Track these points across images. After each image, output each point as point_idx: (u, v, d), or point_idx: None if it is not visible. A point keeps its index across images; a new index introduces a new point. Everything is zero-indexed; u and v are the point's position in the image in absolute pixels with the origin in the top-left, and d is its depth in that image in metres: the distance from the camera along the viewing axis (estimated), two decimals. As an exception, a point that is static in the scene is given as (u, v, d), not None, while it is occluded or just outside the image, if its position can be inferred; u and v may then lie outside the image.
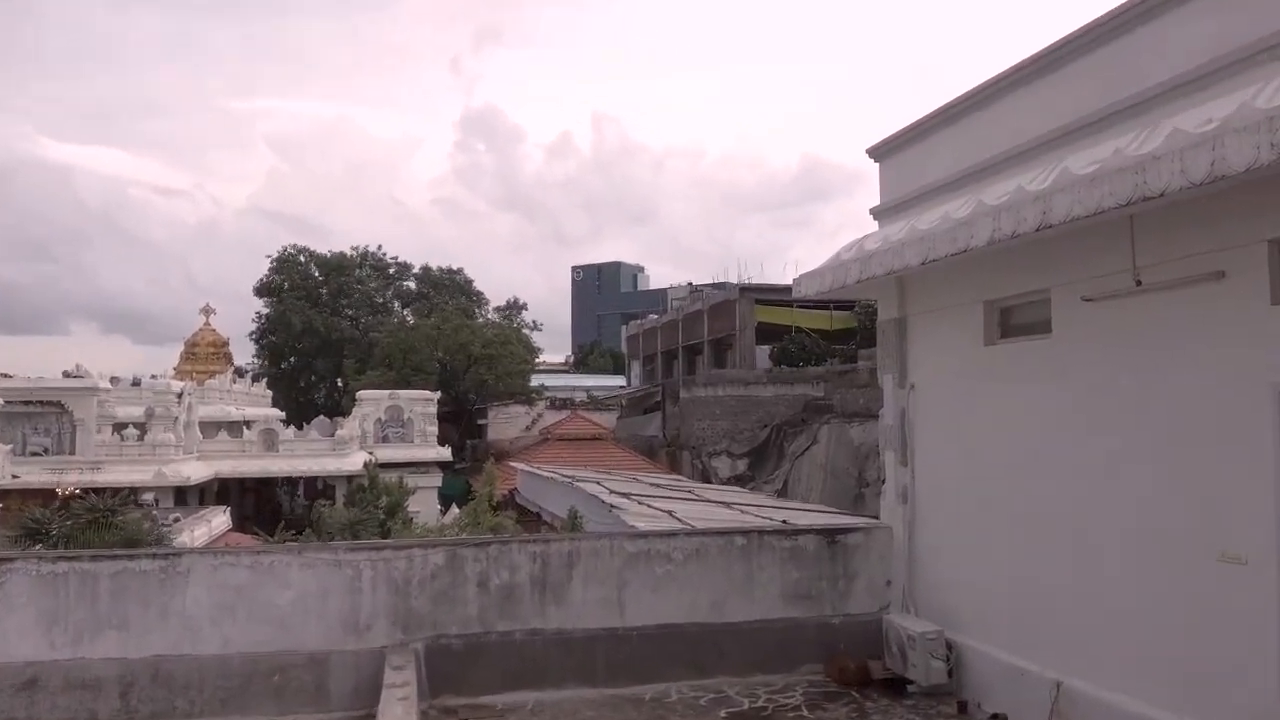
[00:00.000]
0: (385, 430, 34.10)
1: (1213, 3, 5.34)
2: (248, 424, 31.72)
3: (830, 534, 8.37)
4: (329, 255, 52.63)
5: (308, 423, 34.13)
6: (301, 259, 52.05)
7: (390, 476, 21.51)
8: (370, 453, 28.65)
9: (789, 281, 9.36)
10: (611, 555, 7.81)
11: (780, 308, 41.38)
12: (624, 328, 76.33)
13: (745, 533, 8.25)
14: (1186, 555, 5.51)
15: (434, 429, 34.19)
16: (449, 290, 53.96)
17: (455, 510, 22.62)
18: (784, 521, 9.72)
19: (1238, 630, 5.25)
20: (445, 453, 33.39)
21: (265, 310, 50.96)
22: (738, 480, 32.89)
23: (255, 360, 52.21)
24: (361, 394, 34.95)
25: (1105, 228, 5.71)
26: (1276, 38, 5.00)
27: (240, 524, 25.09)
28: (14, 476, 23.51)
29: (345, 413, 36.54)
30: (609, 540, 7.93)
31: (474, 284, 55.49)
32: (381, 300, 53.69)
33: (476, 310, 52.47)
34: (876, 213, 8.66)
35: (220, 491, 28.94)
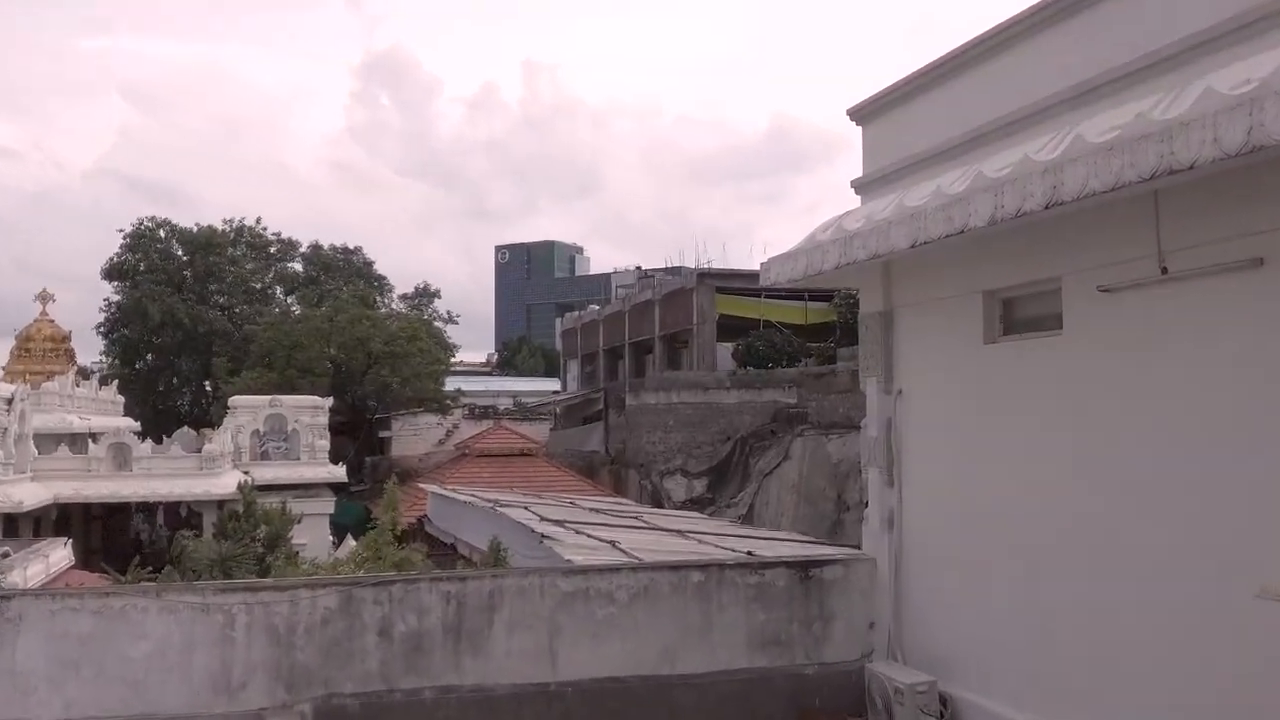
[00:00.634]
0: (265, 445, 33.49)
1: (1250, -57, 5.46)
2: (94, 437, 30.93)
3: (804, 567, 8.42)
4: (195, 230, 51.53)
5: (169, 435, 33.40)
6: (162, 234, 50.85)
7: (271, 501, 21.15)
8: (246, 472, 28.12)
9: (756, 266, 9.43)
10: (542, 595, 7.76)
11: (746, 298, 41.64)
12: (559, 320, 76.26)
13: (703, 566, 8.26)
14: (1222, 589, 5.63)
15: (325, 443, 33.68)
16: (344, 274, 53.31)
17: (351, 542, 22.34)
18: (749, 553, 9.77)
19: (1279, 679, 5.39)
20: (339, 472, 32.91)
21: (116, 297, 49.69)
22: (695, 504, 33.03)
23: (104, 358, 50.99)
24: (235, 400, 34.30)
25: (1126, 206, 5.81)
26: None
27: (85, 560, 24.52)
28: None
29: (215, 423, 35.92)
30: (539, 577, 7.88)
31: (375, 266, 54.94)
32: (260, 285, 52.79)
33: (378, 299, 51.91)
34: (859, 186, 8.74)
35: (60, 520, 28.21)
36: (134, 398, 44.87)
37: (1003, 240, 6.82)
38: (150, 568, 15.94)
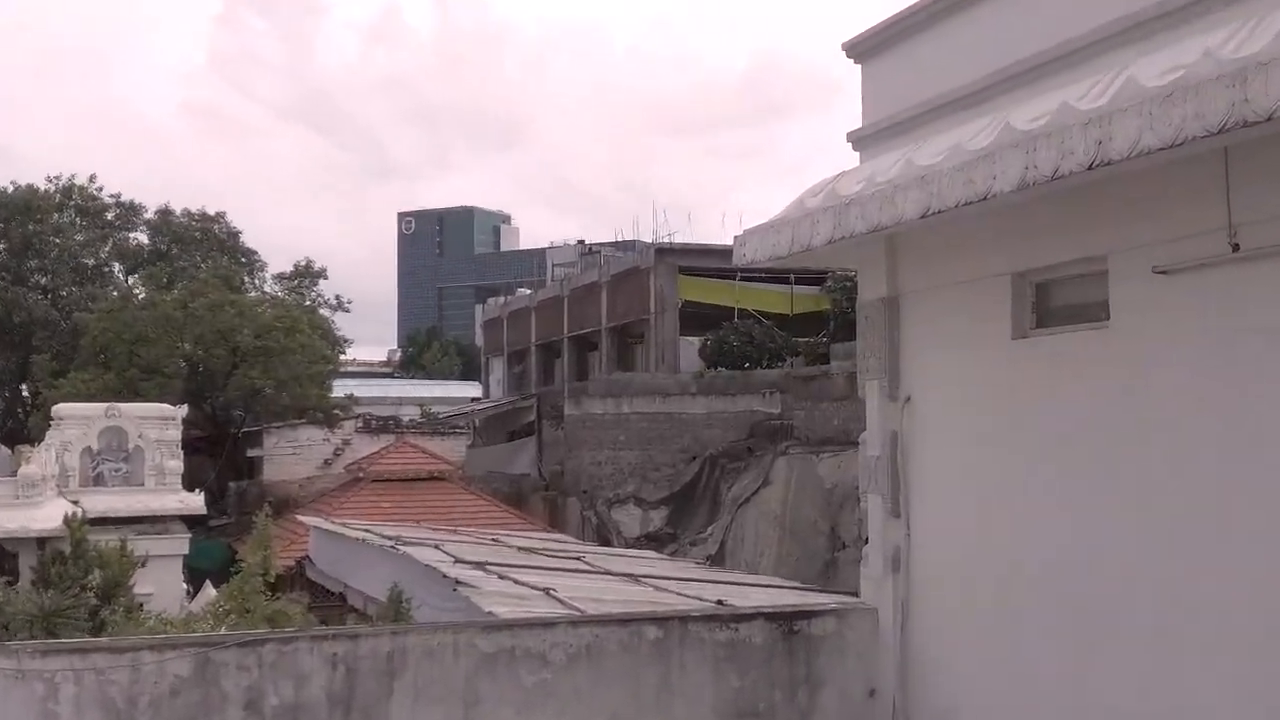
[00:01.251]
0: (99, 466, 33.01)
1: None
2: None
3: (787, 620, 8.46)
4: (10, 190, 50.71)
5: (-27, 454, 32.82)
6: (-36, 196, 50.02)
7: (108, 539, 20.87)
8: (75, 502, 27.71)
9: (729, 241, 9.47)
10: (456, 657, 7.73)
11: (717, 281, 41.69)
12: (479, 308, 76.01)
13: (661, 620, 8.27)
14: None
15: (178, 464, 33.23)
16: (202, 247, 52.65)
17: (211, 591, 22.12)
18: (719, 602, 9.81)
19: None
20: (196, 501, 32.46)
21: (-96, 276, 48.79)
22: (651, 540, 32.94)
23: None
24: (61, 409, 33.74)
25: (1189, 167, 5.89)
26: None
27: None
28: None
29: (35, 439, 35.34)
30: (452, 634, 7.85)
31: (242, 238, 54.34)
32: (94, 262, 51.98)
33: (247, 279, 51.35)
34: (857, 140, 8.80)
35: None
36: (-73, 405, 44.04)
37: (1036, 210, 6.90)
38: (-52, 625, 15.69)
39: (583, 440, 38.72)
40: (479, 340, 70.06)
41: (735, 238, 8.99)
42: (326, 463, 42.85)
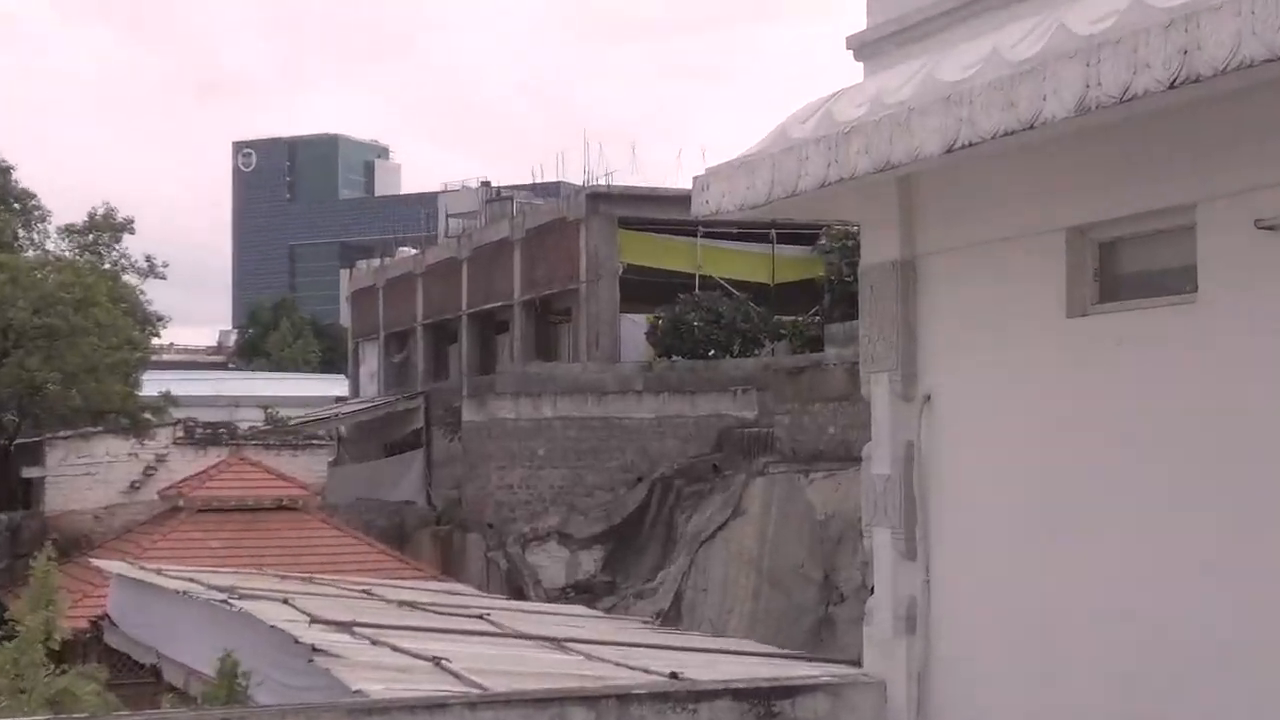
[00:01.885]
0: None
1: None
2: None
3: (764, 699, 8.49)
4: None
5: None
6: None
7: None
8: None
9: (687, 184, 9.50)
10: (311, 753, 7.69)
11: (670, 239, 41.66)
12: (345, 274, 75.37)
13: (592, 699, 8.28)
14: None
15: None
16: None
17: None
18: (673, 674, 9.83)
19: None
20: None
21: None
22: (583, 592, 32.82)
23: None
24: None
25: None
26: None
27: None
28: None
29: None
30: (305, 721, 7.82)
31: (14, 176, 53.62)
32: None
33: (21, 233, 50.72)
34: (861, 47, 8.83)
35: None
36: None
37: (1100, 143, 6.95)
38: None
39: (488, 455, 38.50)
40: (345, 318, 69.59)
41: (695, 180, 8.98)
42: (134, 486, 42.30)
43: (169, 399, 45.15)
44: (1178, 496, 6.94)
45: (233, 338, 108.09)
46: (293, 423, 51.58)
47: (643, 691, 8.56)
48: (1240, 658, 6.60)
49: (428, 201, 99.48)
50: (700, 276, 41.10)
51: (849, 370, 27.85)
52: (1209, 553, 6.77)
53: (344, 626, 14.70)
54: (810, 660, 13.41)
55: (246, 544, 34.14)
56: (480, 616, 16.85)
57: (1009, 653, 7.94)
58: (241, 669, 14.60)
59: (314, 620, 15.42)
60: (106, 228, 49.99)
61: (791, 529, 29.62)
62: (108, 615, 25.64)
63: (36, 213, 52.52)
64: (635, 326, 40.69)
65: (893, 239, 8.72)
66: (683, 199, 18.33)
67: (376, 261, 62.94)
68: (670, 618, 29.68)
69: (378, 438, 50.67)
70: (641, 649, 13.41)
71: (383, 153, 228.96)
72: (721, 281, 40.87)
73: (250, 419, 52.47)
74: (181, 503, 38.12)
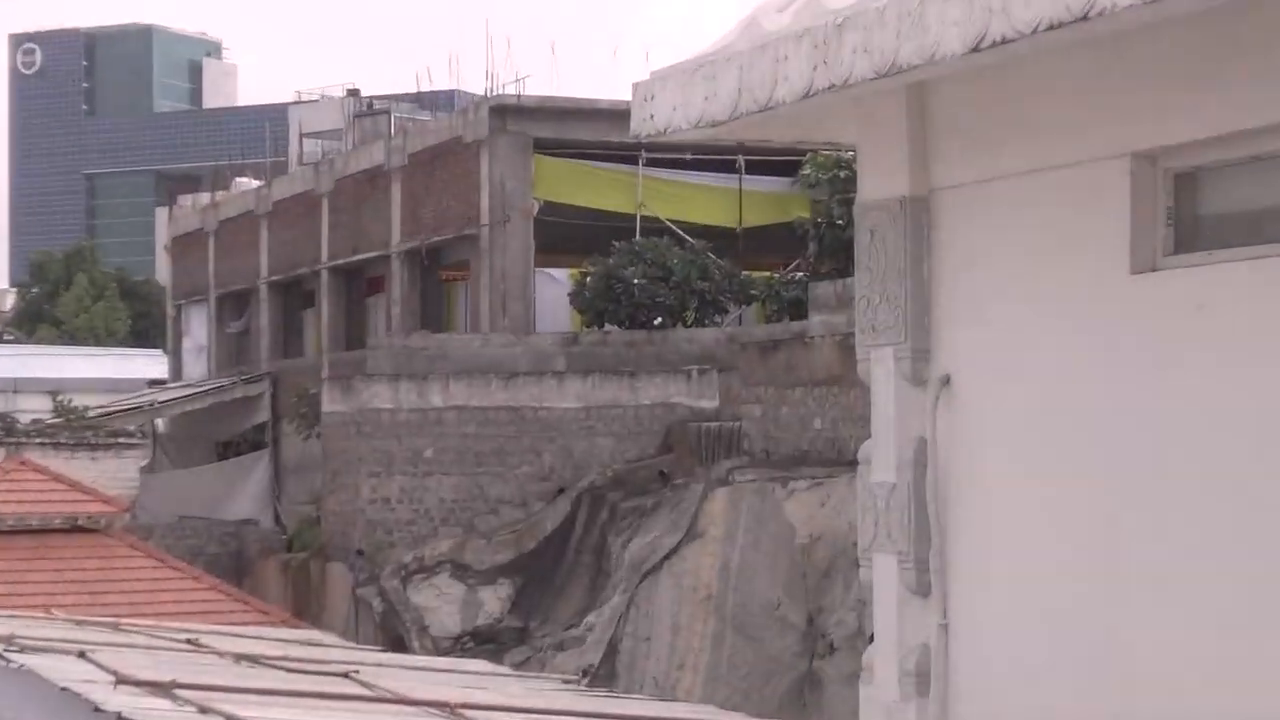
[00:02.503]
0: None
1: None
2: None
3: (728, 784, 8.54)
4: None
5: None
6: None
7: None
8: None
9: (626, 95, 9.51)
10: None
11: (602, 167, 41.49)
12: (162, 213, 74.72)
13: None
14: None
15: None
16: None
17: None
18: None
19: None
20: None
21: None
22: (485, 642, 32.71)
23: None
24: None
25: None
26: None
27: None
28: None
29: None
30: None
31: None
32: None
33: None
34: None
35: None
36: None
37: (1178, 41, 7.00)
38: None
39: (357, 458, 38.36)
40: (162, 273, 69.25)
41: (636, 88, 8.98)
42: None
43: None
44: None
45: (9, 299, 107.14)
46: (92, 414, 51.40)
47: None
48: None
49: (275, 116, 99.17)
50: (642, 218, 41.12)
51: (841, 344, 27.85)
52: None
53: (162, 689, 14.63)
54: (789, 732, 13.49)
55: (30, 578, 33.91)
56: (346, 675, 16.79)
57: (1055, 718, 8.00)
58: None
59: (121, 680, 15.34)
60: None
61: (764, 556, 29.71)
62: None
63: None
64: (555, 285, 40.76)
65: (900, 169, 8.75)
66: (619, 114, 18.31)
67: (205, 197, 62.56)
68: (602, 676, 29.76)
69: (208, 435, 50.46)
70: (562, 719, 13.44)
71: (213, 50, 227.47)
72: (671, 225, 40.90)
73: (34, 409, 52.28)
74: (-60, 522, 37.84)
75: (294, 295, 51.59)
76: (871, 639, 9.05)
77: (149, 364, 67.94)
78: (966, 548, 8.46)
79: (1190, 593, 7.30)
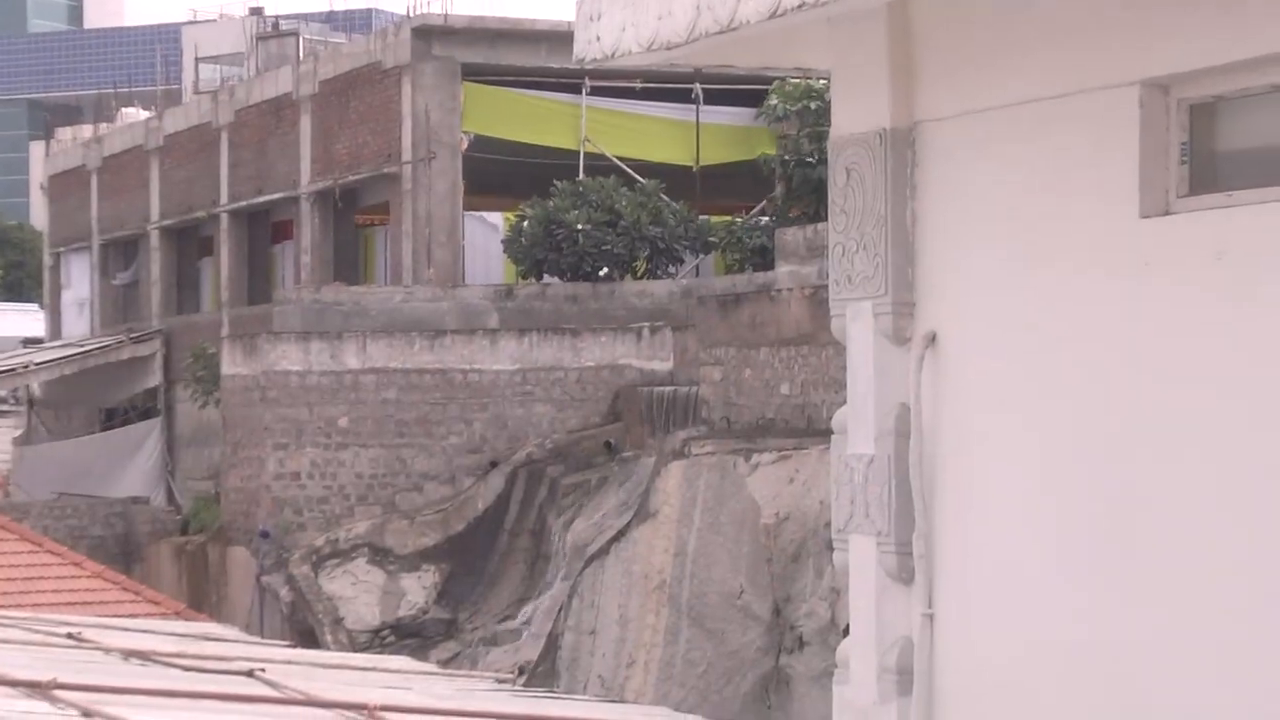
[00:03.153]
0: None
1: None
2: None
3: (684, 796, 8.56)
4: None
5: None
6: None
7: None
8: None
9: (568, 15, 9.46)
10: None
11: (539, 96, 41.40)
12: (37, 148, 74.28)
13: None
14: None
15: None
16: None
17: None
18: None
19: None
20: None
21: None
22: (408, 636, 32.72)
23: None
24: None
25: None
26: None
27: None
28: None
29: None
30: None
31: None
32: None
33: None
34: None
35: None
36: None
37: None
38: None
39: (262, 428, 38.32)
40: (38, 217, 69.01)
41: (579, 5, 8.95)
42: None
43: None
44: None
45: None
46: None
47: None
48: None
49: (167, 38, 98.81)
50: (587, 155, 41.14)
51: (811, 298, 27.85)
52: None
53: (40, 690, 14.62)
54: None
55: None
56: (249, 674, 16.77)
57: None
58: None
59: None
60: None
61: (724, 539, 29.76)
62: None
63: None
64: (487, 230, 40.75)
65: (880, 97, 8.75)
66: (560, 36, 18.25)
67: (87, 130, 62.33)
68: (541, 674, 29.82)
69: (91, 401, 50.39)
70: (495, 721, 13.45)
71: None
72: (618, 163, 40.93)
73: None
74: None
75: (189, 242, 51.46)
76: (846, 632, 9.06)
77: (23, 320, 67.78)
78: (954, 528, 8.48)
79: (1204, 583, 7.30)
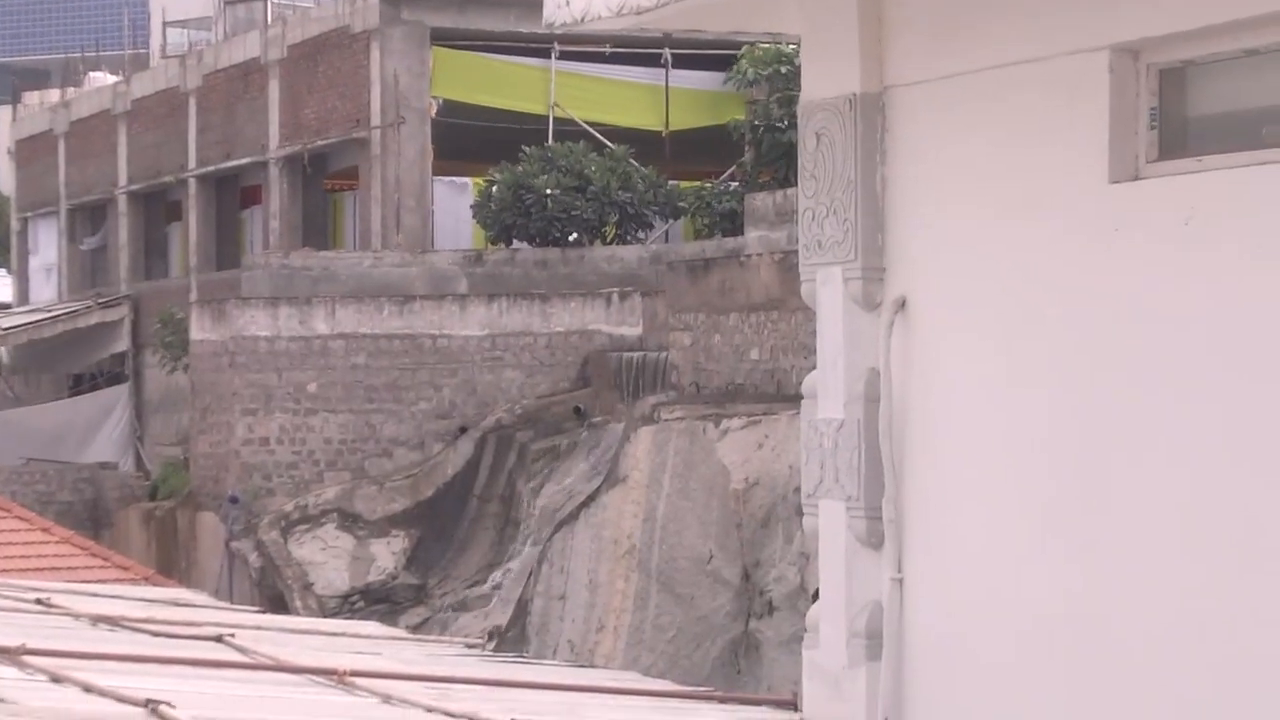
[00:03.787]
0: None
1: None
2: None
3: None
4: None
5: None
6: None
7: None
8: None
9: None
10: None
11: (509, 61, 41.24)
12: (4, 112, 74.05)
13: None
14: None
15: None
16: None
17: None
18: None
19: None
20: None
21: None
22: (378, 601, 32.70)
23: None
24: None
25: None
26: None
27: None
28: None
29: None
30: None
31: None
32: None
33: None
34: None
35: None
36: None
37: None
38: None
39: (230, 393, 38.23)
40: (5, 182, 68.72)
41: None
42: None
43: None
44: None
45: None
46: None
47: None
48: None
49: (134, 2, 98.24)
50: (556, 120, 41.04)
51: (781, 263, 27.80)
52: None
53: (9, 655, 14.60)
54: (723, 701, 13.52)
55: None
56: (219, 639, 16.74)
57: (1023, 687, 8.05)
58: None
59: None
60: None
61: (694, 504, 29.76)
62: None
63: None
64: (456, 195, 40.64)
65: (850, 62, 8.74)
66: (529, 1, 18.20)
67: (54, 94, 62.06)
68: (511, 639, 29.82)
69: (59, 366, 50.23)
70: (466, 687, 13.44)
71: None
72: (588, 127, 40.83)
73: None
74: None
75: (157, 207, 51.29)
76: (816, 596, 9.05)
77: (-8, 287, 67.17)
78: (924, 493, 8.48)
79: (1176, 546, 7.31)
